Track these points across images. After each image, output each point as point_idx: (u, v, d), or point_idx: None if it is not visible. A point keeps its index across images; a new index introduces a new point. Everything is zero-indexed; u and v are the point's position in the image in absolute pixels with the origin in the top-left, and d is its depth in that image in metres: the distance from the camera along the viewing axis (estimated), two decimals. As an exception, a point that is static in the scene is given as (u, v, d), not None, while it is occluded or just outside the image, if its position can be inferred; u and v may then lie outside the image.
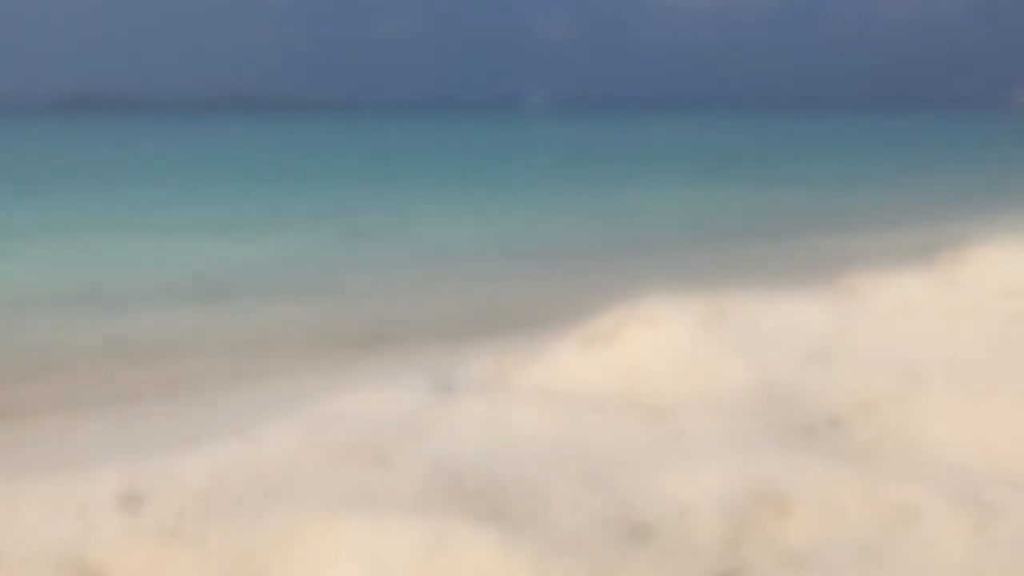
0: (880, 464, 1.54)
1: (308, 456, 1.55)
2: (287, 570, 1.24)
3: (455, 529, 1.20)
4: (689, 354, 2.24)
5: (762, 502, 1.28)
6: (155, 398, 3.93)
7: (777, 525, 1.26)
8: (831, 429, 1.67)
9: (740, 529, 1.23)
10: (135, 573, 1.25)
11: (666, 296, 2.66)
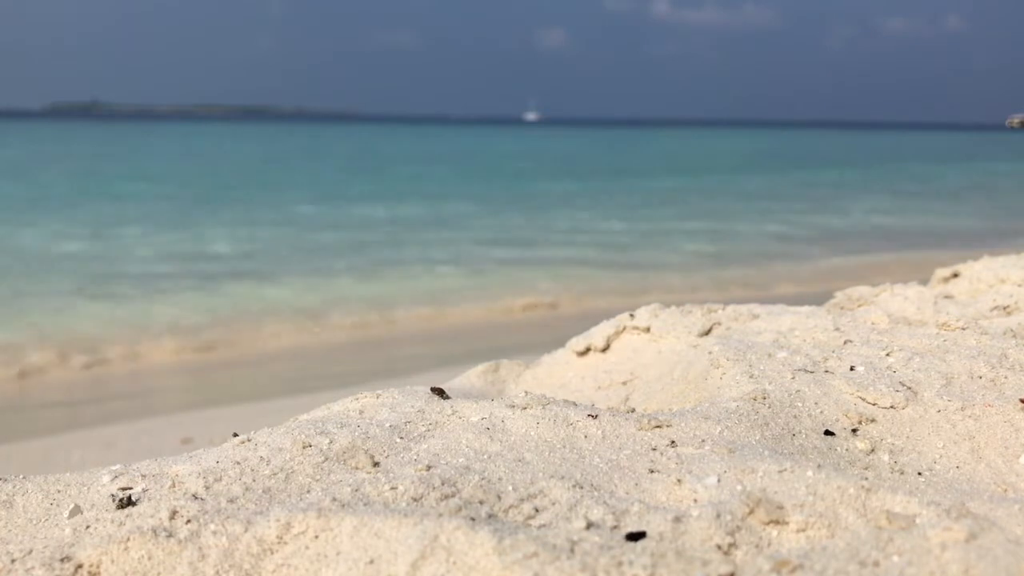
0: (874, 474, 1.55)
1: (303, 459, 1.55)
2: (280, 571, 1.24)
3: (450, 532, 1.20)
4: (684, 364, 2.25)
5: (756, 510, 1.28)
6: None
7: (771, 533, 1.26)
8: (825, 439, 1.68)
9: (734, 536, 1.23)
10: (128, 573, 1.25)
11: (662, 306, 2.67)
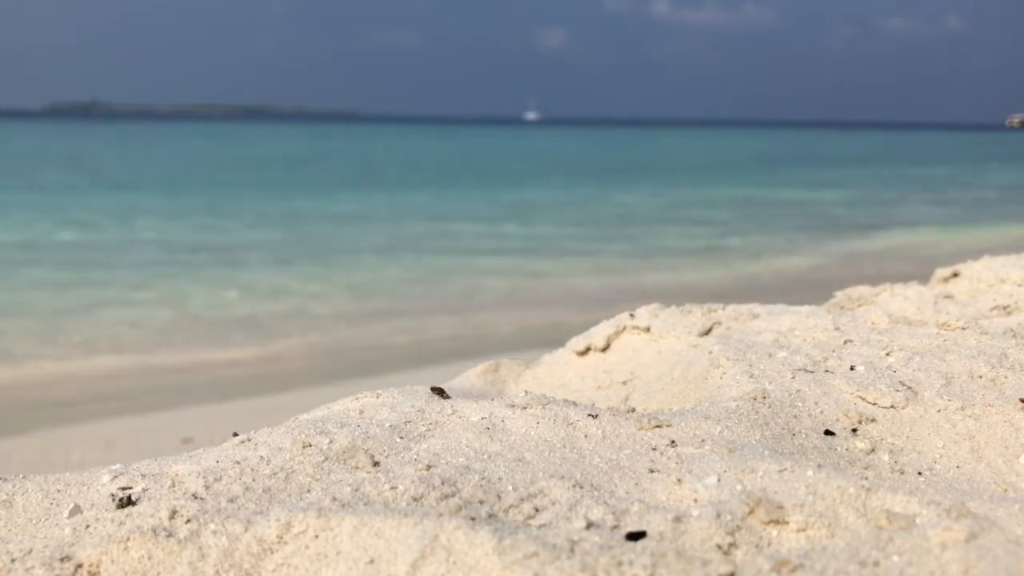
0: (874, 473, 1.55)
1: (303, 458, 1.55)
2: (280, 571, 1.24)
3: (450, 532, 1.20)
4: (684, 364, 2.25)
5: (756, 510, 1.28)
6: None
7: (771, 532, 1.26)
8: (826, 439, 1.68)
9: (734, 536, 1.23)
10: (128, 572, 1.25)
11: (662, 306, 2.67)
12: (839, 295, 2.92)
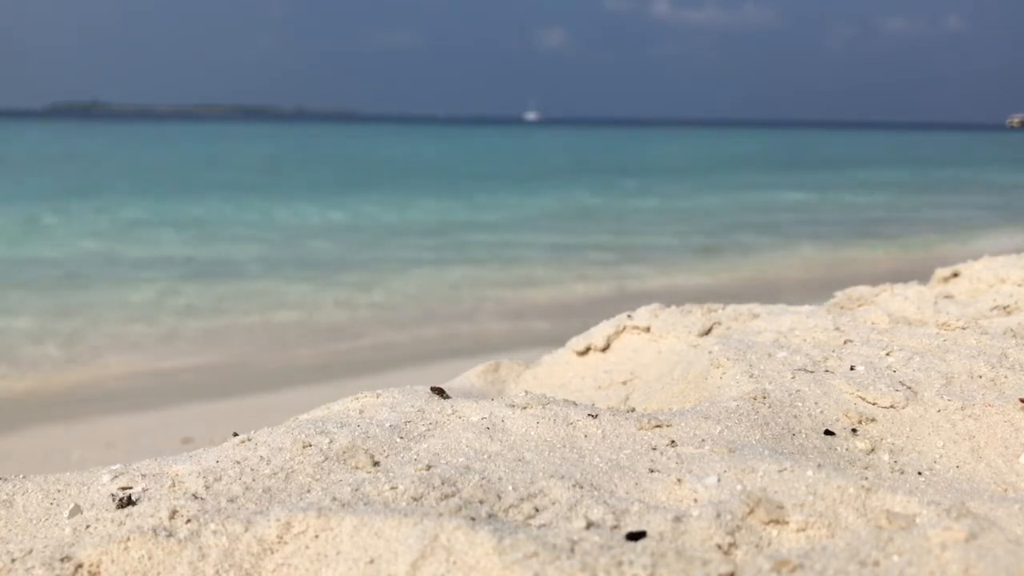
0: (874, 473, 1.55)
1: (303, 458, 1.55)
2: (280, 571, 1.24)
3: (450, 532, 1.20)
4: (684, 363, 2.25)
5: (756, 509, 1.29)
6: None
7: (771, 532, 1.26)
8: (825, 438, 1.68)
9: (734, 535, 1.23)
10: (128, 572, 1.25)
11: (662, 306, 2.67)
12: (839, 295, 2.92)
